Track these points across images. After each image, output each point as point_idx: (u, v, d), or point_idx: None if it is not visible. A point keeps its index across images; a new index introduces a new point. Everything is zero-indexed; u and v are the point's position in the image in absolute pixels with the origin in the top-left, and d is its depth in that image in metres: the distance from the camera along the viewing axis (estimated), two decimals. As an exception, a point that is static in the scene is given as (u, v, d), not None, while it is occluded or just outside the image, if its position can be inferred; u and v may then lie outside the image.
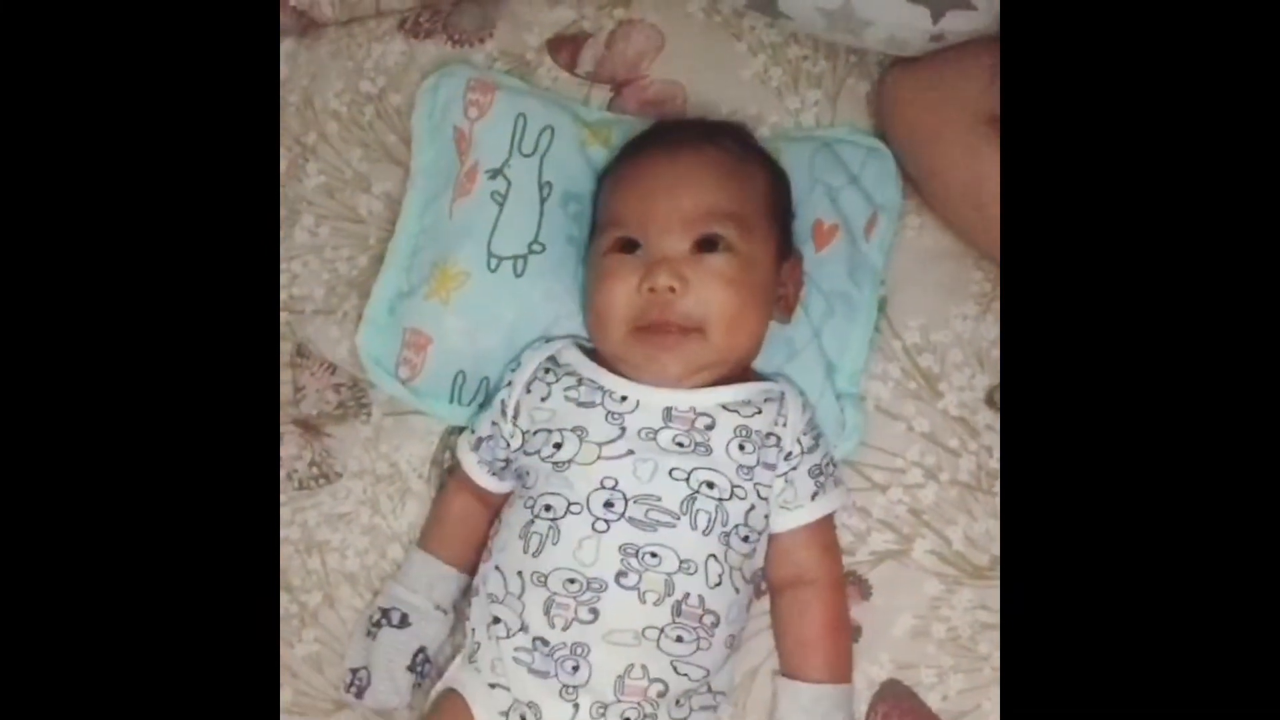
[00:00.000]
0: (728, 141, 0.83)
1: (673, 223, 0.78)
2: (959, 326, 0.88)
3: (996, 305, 0.88)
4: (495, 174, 0.89)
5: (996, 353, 0.87)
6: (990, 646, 0.81)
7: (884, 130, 0.90)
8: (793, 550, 0.80)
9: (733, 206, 0.79)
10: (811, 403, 0.83)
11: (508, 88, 0.93)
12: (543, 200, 0.89)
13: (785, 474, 0.79)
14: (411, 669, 0.82)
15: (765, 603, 0.83)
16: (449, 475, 0.88)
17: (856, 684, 0.81)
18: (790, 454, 0.79)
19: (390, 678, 0.81)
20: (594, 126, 0.92)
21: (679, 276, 0.77)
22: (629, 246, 0.79)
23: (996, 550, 0.83)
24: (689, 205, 0.78)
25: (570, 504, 0.76)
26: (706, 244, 0.78)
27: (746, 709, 0.82)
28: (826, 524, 0.81)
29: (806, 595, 0.80)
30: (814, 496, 0.79)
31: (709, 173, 0.79)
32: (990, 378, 0.87)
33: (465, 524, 0.85)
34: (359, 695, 0.82)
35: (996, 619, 0.81)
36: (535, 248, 0.88)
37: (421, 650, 0.82)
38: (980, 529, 0.84)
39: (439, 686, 0.81)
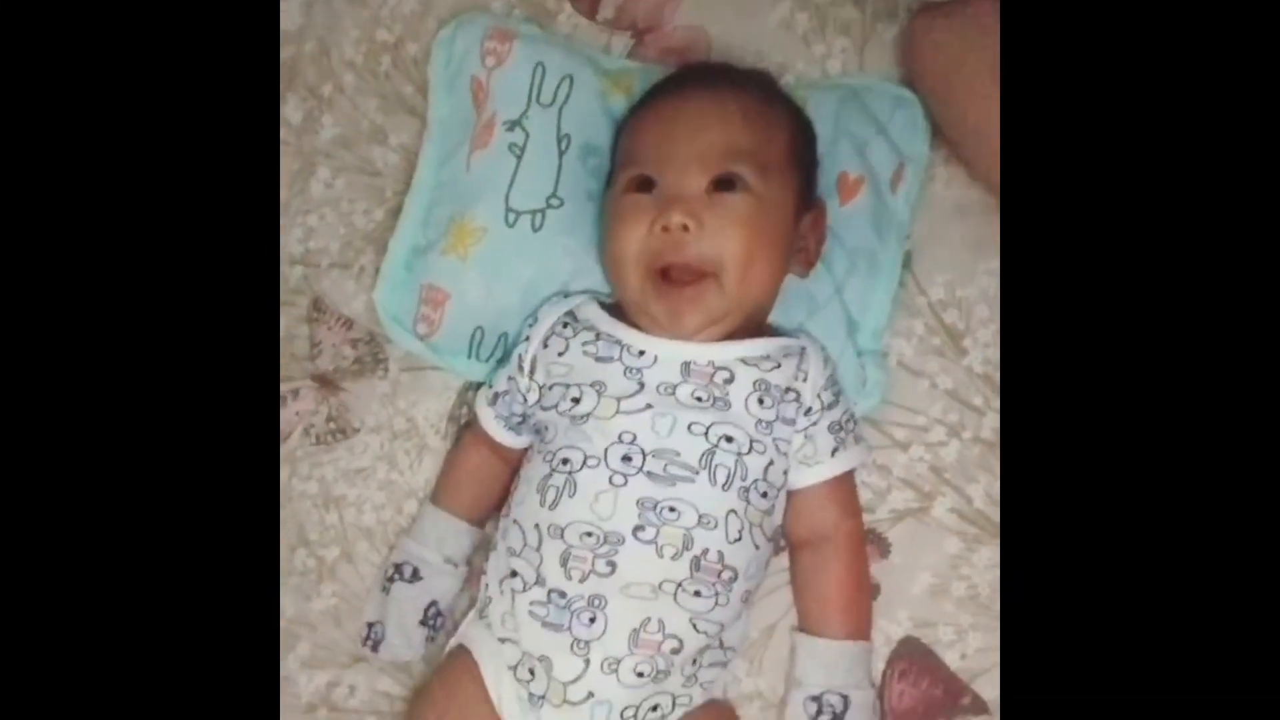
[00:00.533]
0: (752, 86, 0.81)
1: (689, 161, 0.76)
2: (985, 282, 0.86)
3: (1024, 261, 0.86)
4: (513, 125, 0.88)
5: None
6: (1011, 606, 0.80)
7: (912, 79, 0.88)
8: (812, 507, 0.79)
9: (752, 147, 0.77)
10: (833, 359, 0.82)
11: (526, 36, 0.91)
12: (561, 153, 0.87)
13: (805, 430, 0.78)
14: (423, 623, 0.82)
15: (784, 559, 0.83)
16: (465, 430, 0.87)
17: (874, 641, 0.81)
18: (810, 409, 0.78)
19: (403, 631, 0.82)
20: (614, 75, 0.90)
21: (693, 215, 0.75)
22: (645, 186, 0.78)
23: (1019, 510, 0.82)
24: (707, 144, 0.76)
25: (588, 457, 0.75)
26: (724, 183, 0.76)
27: (763, 665, 0.82)
28: (847, 481, 0.81)
29: (826, 552, 0.79)
30: (834, 453, 0.78)
31: (729, 113, 0.78)
32: (1016, 335, 0.85)
33: (479, 478, 0.85)
34: (374, 649, 0.82)
35: (1018, 579, 0.81)
36: (553, 202, 0.86)
37: (433, 604, 0.82)
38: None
39: (451, 643, 0.81)
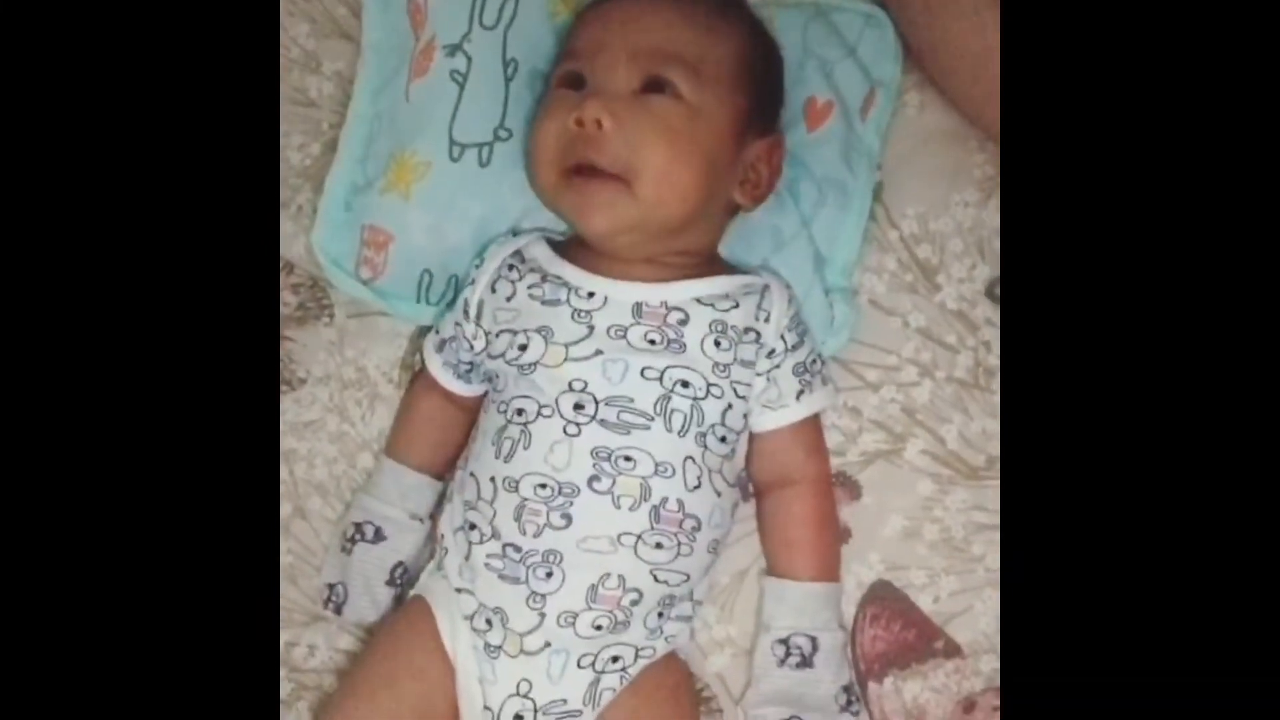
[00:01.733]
0: None
1: (619, 57, 0.71)
2: (960, 214, 0.82)
3: (999, 191, 0.82)
4: (454, 50, 0.81)
5: (998, 242, 0.82)
6: (984, 547, 0.79)
7: (882, -4, 0.82)
8: (777, 450, 0.77)
9: (692, 53, 0.72)
10: (798, 297, 0.78)
11: (466, -50, 0.84)
12: (508, 80, 0.81)
13: (768, 372, 0.75)
14: (391, 583, 0.79)
15: (750, 507, 0.80)
16: (415, 377, 0.83)
17: (846, 585, 0.79)
18: (773, 351, 0.75)
19: (369, 593, 0.79)
20: (563, -6, 0.83)
21: (612, 113, 0.70)
22: (575, 82, 0.73)
23: (993, 450, 0.80)
24: (640, 41, 0.71)
25: (541, 407, 0.72)
26: (653, 85, 0.71)
27: (734, 611, 0.81)
28: (813, 424, 0.78)
29: (790, 495, 0.77)
30: (799, 396, 0.76)
31: (672, 13, 0.72)
32: (992, 269, 0.82)
33: (434, 426, 0.81)
34: (337, 611, 0.80)
35: (991, 520, 0.79)
36: (501, 134, 0.81)
37: (400, 564, 0.79)
38: (976, 428, 0.80)
39: (410, 594, 0.79)
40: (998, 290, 0.82)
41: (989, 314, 0.81)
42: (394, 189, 0.81)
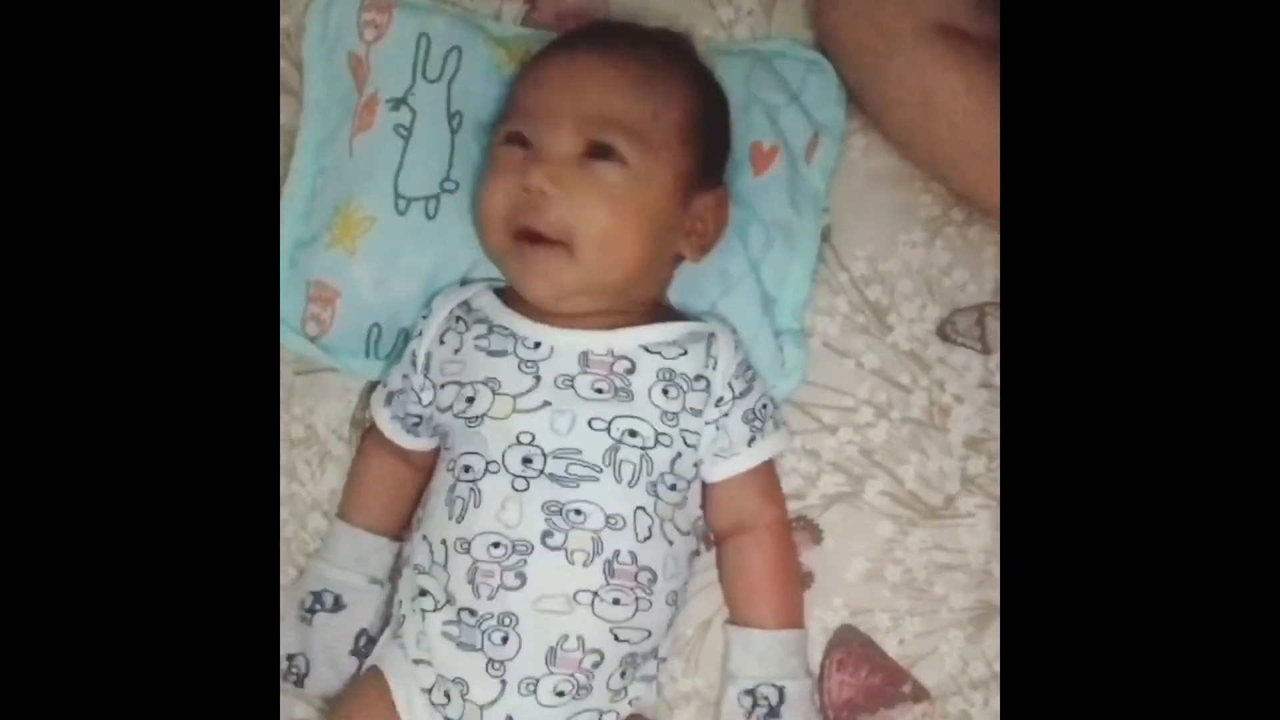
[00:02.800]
0: (653, 49, 0.75)
1: (564, 121, 0.71)
2: (908, 255, 0.83)
3: (947, 230, 0.83)
4: (398, 104, 0.81)
5: (948, 281, 0.83)
6: (946, 588, 0.79)
7: (824, 42, 0.83)
8: (732, 498, 0.76)
9: (633, 116, 0.72)
10: (745, 342, 0.78)
11: (407, 5, 0.83)
12: (453, 132, 0.81)
13: (716, 421, 0.74)
14: (355, 653, 0.77)
15: (713, 556, 0.79)
16: (366, 435, 0.82)
17: (810, 630, 0.78)
18: (721, 399, 0.74)
19: (332, 664, 0.76)
20: (508, 44, 0.83)
21: (556, 180, 0.70)
22: (521, 141, 0.73)
23: (950, 489, 0.80)
24: (586, 106, 0.71)
25: (488, 463, 0.71)
26: (599, 150, 0.71)
27: (699, 663, 0.79)
28: (766, 470, 0.77)
29: (748, 542, 0.76)
30: (750, 442, 0.75)
31: (616, 76, 0.72)
32: (941, 308, 0.82)
33: (387, 486, 0.79)
34: (299, 683, 0.77)
35: (951, 559, 0.79)
36: (448, 186, 0.80)
37: (363, 632, 0.77)
38: (934, 467, 0.80)
39: (366, 663, 0.76)
40: (949, 329, 0.82)
41: (941, 353, 0.82)
42: (339, 244, 0.80)
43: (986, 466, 0.80)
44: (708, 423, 0.73)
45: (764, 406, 0.76)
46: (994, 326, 0.81)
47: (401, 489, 0.79)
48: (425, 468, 0.78)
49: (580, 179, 0.70)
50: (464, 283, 0.80)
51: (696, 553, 0.77)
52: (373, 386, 0.82)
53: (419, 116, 0.80)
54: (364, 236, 0.80)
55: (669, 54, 0.77)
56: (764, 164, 0.82)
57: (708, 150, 0.76)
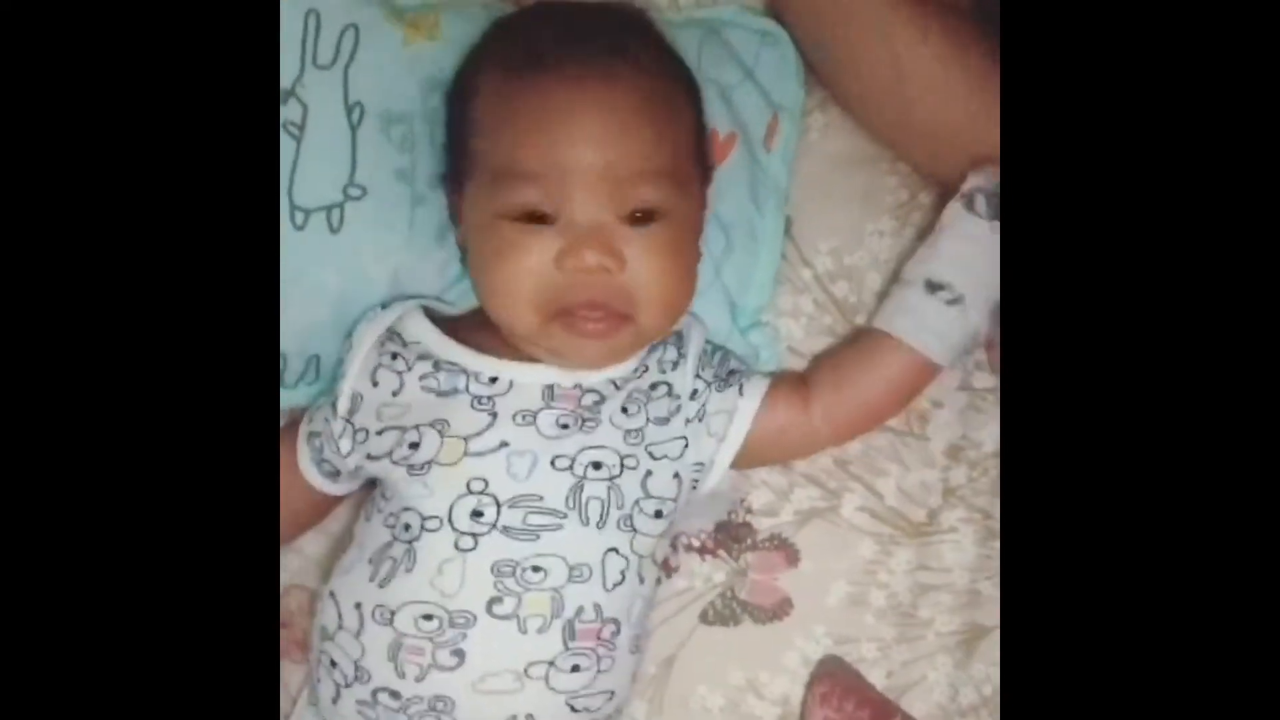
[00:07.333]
0: (637, 49, 0.64)
1: (599, 187, 0.61)
2: (875, 245, 0.76)
3: (915, 216, 0.76)
4: (286, 97, 0.68)
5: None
6: (931, 610, 0.74)
7: (778, 8, 0.74)
8: (774, 429, 0.68)
9: (665, 159, 0.63)
10: (708, 338, 0.71)
11: (290, -24, 0.70)
12: (354, 127, 0.69)
13: (696, 415, 0.67)
14: None
15: (675, 583, 0.73)
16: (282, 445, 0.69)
17: (791, 662, 0.73)
18: (696, 392, 0.67)
19: None
20: (412, 18, 0.71)
21: (612, 254, 0.61)
22: (539, 215, 0.62)
23: (933, 503, 0.74)
24: (617, 164, 0.61)
25: (425, 519, 0.62)
26: (640, 217, 0.62)
27: (663, 704, 0.73)
28: (771, 390, 0.69)
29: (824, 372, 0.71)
30: (742, 390, 0.68)
31: (635, 113, 0.62)
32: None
33: (298, 525, 0.71)
34: None
35: (935, 579, 0.74)
36: (352, 192, 0.69)
37: None
38: (914, 480, 0.74)
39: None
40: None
41: (916, 354, 0.75)
42: (229, 267, 0.68)
43: (968, 476, 0.74)
44: (688, 420, 0.66)
45: (734, 372, 0.69)
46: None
47: (317, 514, 0.72)
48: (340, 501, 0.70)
49: (636, 248, 0.62)
50: (385, 304, 0.69)
51: (658, 580, 0.70)
52: (295, 415, 0.70)
53: (311, 111, 0.68)
54: (258, 257, 0.67)
55: (648, 48, 0.66)
56: (722, 154, 0.73)
57: (707, 149, 0.70)
